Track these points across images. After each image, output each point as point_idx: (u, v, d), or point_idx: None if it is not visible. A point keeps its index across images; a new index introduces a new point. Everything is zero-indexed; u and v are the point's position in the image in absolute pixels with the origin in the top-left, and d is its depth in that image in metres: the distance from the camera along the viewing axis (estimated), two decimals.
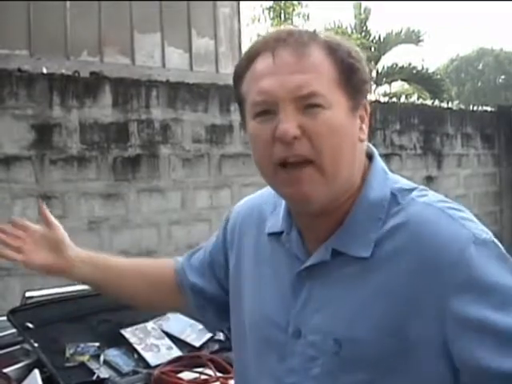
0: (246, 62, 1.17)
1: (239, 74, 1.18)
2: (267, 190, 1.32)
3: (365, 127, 1.19)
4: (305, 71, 1.10)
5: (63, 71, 6.19)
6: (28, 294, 3.10)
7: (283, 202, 1.27)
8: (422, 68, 18.20)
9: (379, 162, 1.23)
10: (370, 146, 1.24)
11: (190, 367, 2.68)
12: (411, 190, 1.19)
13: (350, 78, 1.14)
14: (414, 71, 17.78)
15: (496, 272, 1.06)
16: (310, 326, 1.18)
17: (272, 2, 18.00)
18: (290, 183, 1.12)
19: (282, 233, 1.27)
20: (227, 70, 9.80)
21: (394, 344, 1.09)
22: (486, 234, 1.11)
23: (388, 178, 1.21)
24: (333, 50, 1.13)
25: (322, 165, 1.11)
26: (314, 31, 1.17)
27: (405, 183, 1.22)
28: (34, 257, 1.48)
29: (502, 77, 37.40)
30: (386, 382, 1.11)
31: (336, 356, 1.14)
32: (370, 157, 1.23)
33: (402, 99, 13.58)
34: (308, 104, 1.10)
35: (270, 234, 1.30)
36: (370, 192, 1.18)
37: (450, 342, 1.06)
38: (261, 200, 1.38)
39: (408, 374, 1.10)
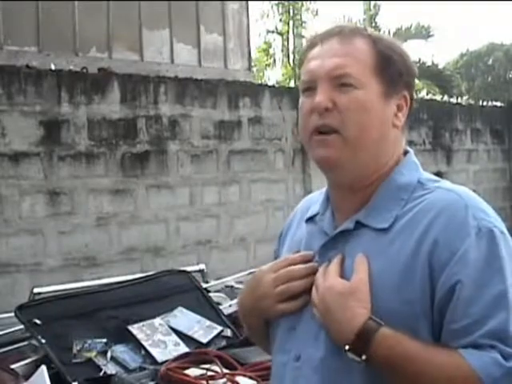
0: (305, 51, 1.37)
1: (300, 61, 1.39)
2: (315, 193, 1.50)
3: (401, 116, 1.34)
4: (343, 55, 1.28)
5: (71, 67, 6.19)
6: (36, 290, 3.11)
7: (324, 191, 1.42)
8: (432, 63, 18.07)
9: (413, 156, 1.38)
10: (408, 148, 1.40)
11: (196, 363, 2.68)
12: (438, 180, 1.32)
13: (386, 68, 1.29)
14: (424, 66, 17.67)
15: (484, 266, 1.17)
16: None
17: None
18: (319, 145, 1.29)
19: (317, 215, 1.41)
20: (236, 65, 9.79)
21: (406, 310, 1.18)
22: (494, 226, 1.21)
23: (418, 170, 1.35)
24: (374, 43, 1.31)
25: (346, 135, 1.26)
26: (363, 27, 1.38)
27: (433, 177, 1.35)
28: None
29: None
30: None
31: None
32: (405, 154, 1.38)
33: None
34: (341, 83, 1.27)
35: (308, 219, 1.43)
36: (398, 177, 1.32)
37: (435, 306, 1.18)
38: (307, 201, 1.52)
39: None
